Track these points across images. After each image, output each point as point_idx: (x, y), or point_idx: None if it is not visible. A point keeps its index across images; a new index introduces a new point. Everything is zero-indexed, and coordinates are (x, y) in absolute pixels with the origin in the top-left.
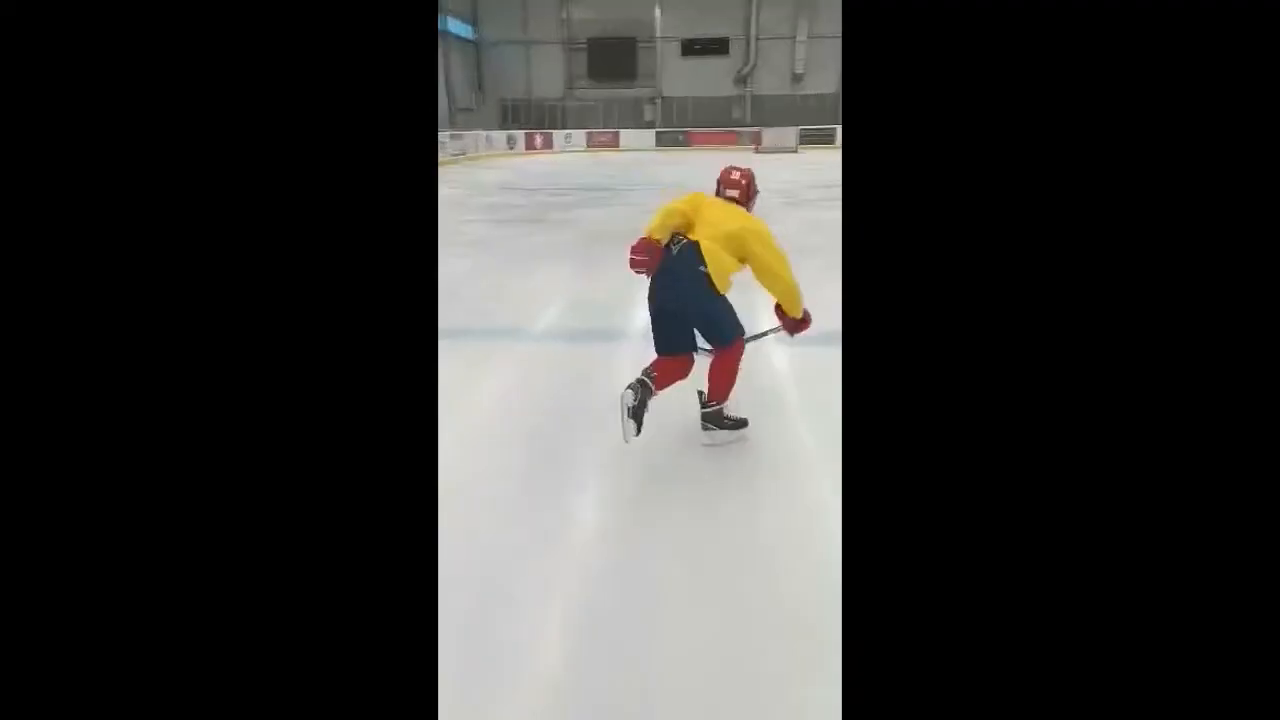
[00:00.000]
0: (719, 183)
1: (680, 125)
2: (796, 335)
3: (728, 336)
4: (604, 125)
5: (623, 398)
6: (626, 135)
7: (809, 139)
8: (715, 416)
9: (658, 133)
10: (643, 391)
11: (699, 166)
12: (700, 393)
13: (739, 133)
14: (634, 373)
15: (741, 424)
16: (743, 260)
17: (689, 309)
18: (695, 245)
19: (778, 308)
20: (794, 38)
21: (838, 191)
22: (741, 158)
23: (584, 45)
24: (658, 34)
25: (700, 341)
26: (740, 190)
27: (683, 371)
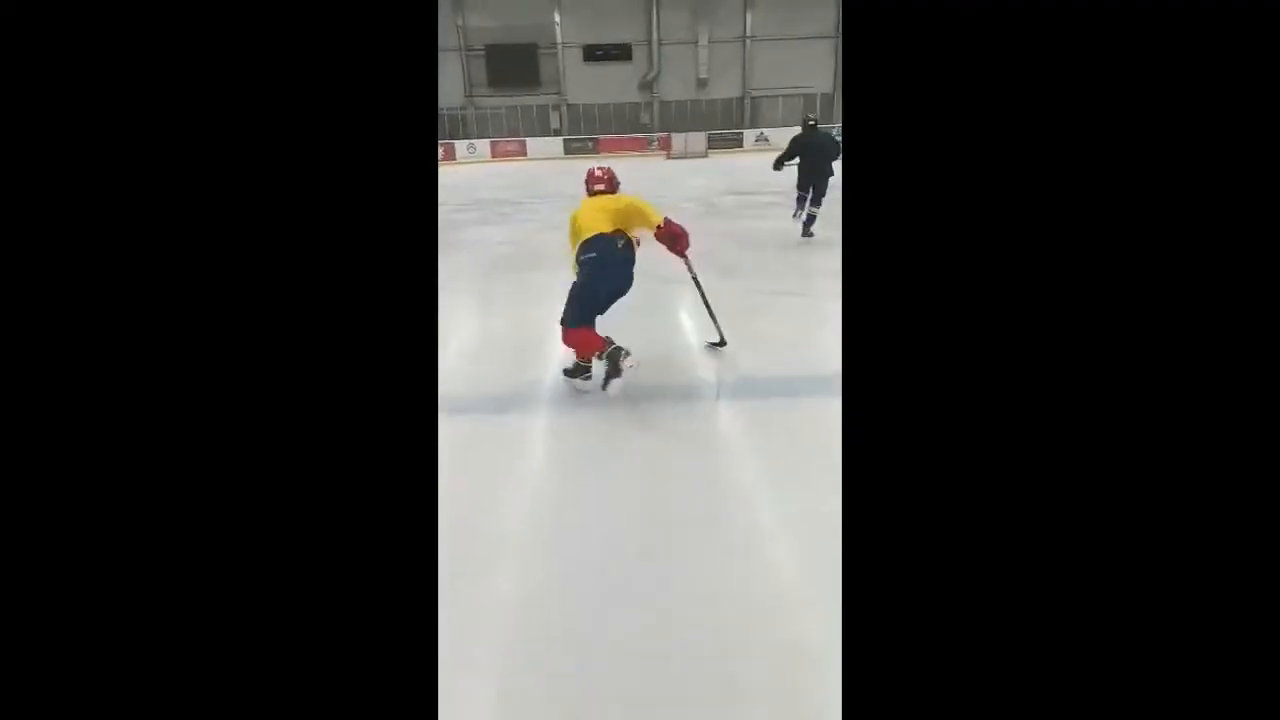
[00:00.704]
0: (588, 183)
1: (588, 132)
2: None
3: (603, 306)
4: (509, 134)
5: (606, 380)
6: (534, 144)
7: (718, 143)
8: (576, 371)
9: (565, 140)
10: (611, 362)
11: None
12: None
13: (648, 138)
14: (549, 469)
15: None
16: (627, 226)
17: (614, 282)
18: (629, 241)
19: (659, 235)
20: (696, 43)
21: (755, 199)
22: (652, 164)
23: (482, 52)
24: (559, 40)
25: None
26: (606, 183)
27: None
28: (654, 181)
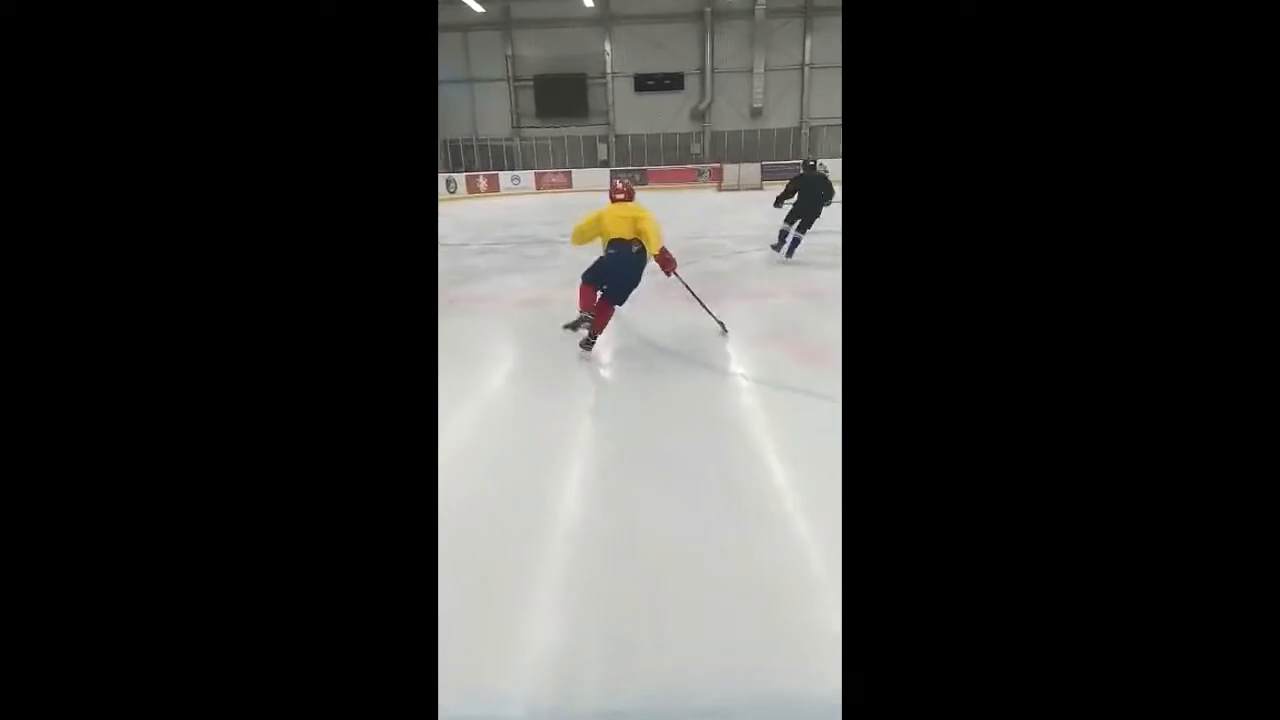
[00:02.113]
0: (612, 193)
1: (636, 163)
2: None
3: (622, 299)
4: (555, 165)
5: (580, 342)
6: (580, 175)
7: (772, 174)
8: (589, 340)
9: (612, 172)
10: (583, 322)
11: (657, 208)
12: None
13: (698, 170)
14: None
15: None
16: (638, 234)
17: (628, 280)
18: (642, 248)
19: (656, 258)
20: (751, 70)
21: (826, 240)
22: (703, 196)
23: (530, 83)
24: (608, 70)
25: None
26: (625, 194)
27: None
28: (706, 216)
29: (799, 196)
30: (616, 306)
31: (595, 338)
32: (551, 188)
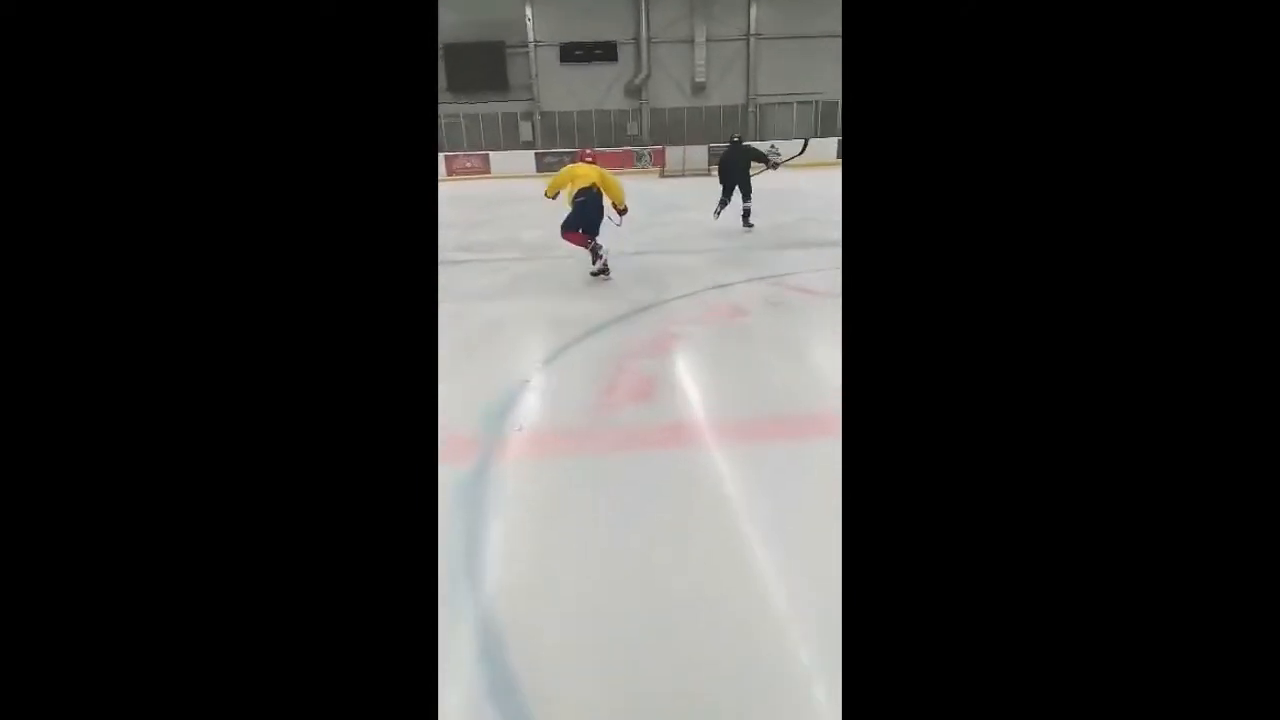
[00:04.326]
0: (578, 158)
1: (565, 144)
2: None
3: (595, 231)
4: (471, 147)
5: (597, 270)
6: (499, 159)
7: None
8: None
9: (538, 155)
10: (596, 254)
11: None
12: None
13: (638, 153)
14: None
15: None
16: (604, 187)
17: (593, 218)
18: (599, 191)
19: (617, 208)
20: (691, 40)
21: (825, 229)
22: (646, 183)
23: (440, 52)
24: (530, 38)
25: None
26: (592, 158)
27: (582, 241)
28: (648, 216)
29: (720, 179)
30: (592, 239)
31: (601, 262)
32: (464, 173)
